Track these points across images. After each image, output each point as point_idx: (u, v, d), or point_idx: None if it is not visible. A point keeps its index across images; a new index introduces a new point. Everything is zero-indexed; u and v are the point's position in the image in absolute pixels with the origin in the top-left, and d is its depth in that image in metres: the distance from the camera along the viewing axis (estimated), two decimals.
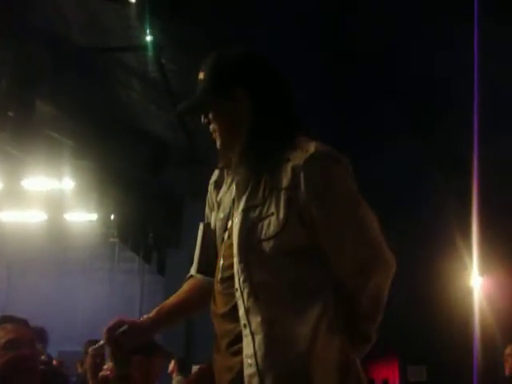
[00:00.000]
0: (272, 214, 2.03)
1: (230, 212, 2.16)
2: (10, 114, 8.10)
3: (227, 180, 2.22)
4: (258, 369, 1.98)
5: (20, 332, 2.54)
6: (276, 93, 2.16)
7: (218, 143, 2.16)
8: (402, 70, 6.31)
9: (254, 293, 2.02)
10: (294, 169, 2.02)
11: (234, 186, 2.15)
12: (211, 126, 2.16)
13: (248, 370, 2.00)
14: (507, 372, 6.16)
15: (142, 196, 10.87)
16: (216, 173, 2.29)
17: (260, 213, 2.04)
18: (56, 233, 12.22)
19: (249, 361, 2.00)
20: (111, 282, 14.16)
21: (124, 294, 13.90)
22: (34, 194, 10.73)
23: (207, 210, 2.34)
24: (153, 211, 11.51)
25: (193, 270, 2.30)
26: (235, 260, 2.06)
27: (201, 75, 2.16)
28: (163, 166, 9.98)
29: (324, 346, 1.98)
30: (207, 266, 2.24)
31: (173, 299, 2.29)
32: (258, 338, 1.99)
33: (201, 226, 2.30)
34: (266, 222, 2.03)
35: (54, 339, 7.43)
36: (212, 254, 2.24)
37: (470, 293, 7.10)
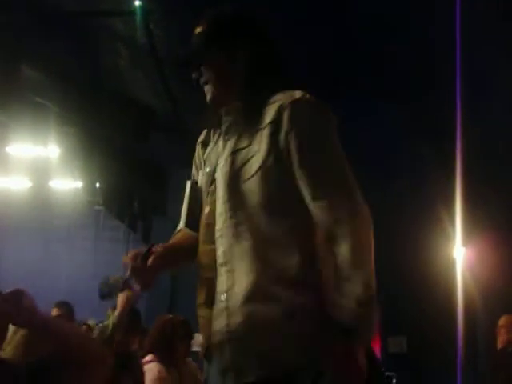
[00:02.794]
0: (256, 152, 2.05)
1: (215, 166, 2.16)
2: None
3: (214, 138, 2.24)
4: (227, 304, 1.98)
5: None
6: (269, 49, 2.21)
7: (209, 96, 2.19)
8: (389, 38, 6.32)
9: (238, 231, 2.02)
10: (278, 107, 2.05)
11: (220, 142, 2.18)
12: (202, 79, 2.18)
13: (218, 305, 2.00)
14: (499, 344, 6.12)
15: (128, 163, 10.83)
16: (203, 133, 2.31)
17: (246, 154, 2.07)
18: (41, 200, 12.15)
19: (221, 297, 2.00)
20: (96, 251, 14.11)
21: (109, 262, 13.79)
22: (18, 161, 10.64)
23: (194, 169, 2.36)
24: (138, 179, 11.48)
25: (181, 224, 2.31)
26: (219, 202, 2.08)
27: (198, 29, 2.21)
28: (149, 133, 9.95)
29: (302, 290, 1.96)
30: (194, 222, 2.25)
31: (169, 244, 2.28)
32: (234, 274, 2.00)
33: (188, 184, 2.33)
34: (250, 162, 2.05)
35: (38, 306, 7.44)
36: (198, 211, 2.24)
37: (452, 263, 7.15)
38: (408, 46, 6.33)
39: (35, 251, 14.02)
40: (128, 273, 2.12)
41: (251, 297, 1.97)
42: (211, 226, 2.11)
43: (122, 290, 3.22)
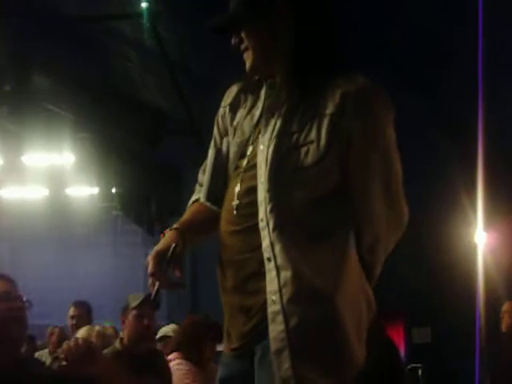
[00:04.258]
0: (312, 141, 1.89)
1: (249, 138, 2.01)
2: (7, 88, 8.07)
3: (246, 104, 2.05)
4: (282, 306, 1.86)
5: (8, 286, 2.59)
6: (321, 17, 2.01)
7: (248, 64, 1.99)
8: (405, 26, 6.27)
9: (281, 225, 1.88)
10: (343, 95, 1.88)
11: (256, 111, 2.01)
12: (242, 46, 1.99)
13: (272, 307, 1.87)
14: (504, 328, 6.21)
15: (143, 167, 10.86)
16: (231, 95, 2.10)
17: (297, 140, 1.90)
18: (58, 208, 12.21)
19: (273, 297, 1.87)
20: (115, 256, 14.16)
21: (128, 267, 13.91)
22: (34, 170, 10.70)
23: (216, 133, 2.15)
24: (154, 182, 11.50)
25: (202, 197, 2.13)
26: (262, 188, 1.91)
27: None
28: (162, 137, 9.95)
29: (350, 286, 1.90)
30: (216, 194, 2.09)
31: (187, 219, 2.11)
32: (285, 273, 1.87)
33: (211, 151, 2.14)
34: (303, 150, 1.89)
35: (60, 315, 7.46)
36: (221, 182, 2.08)
37: (474, 249, 7.10)
38: (424, 33, 6.27)
39: (55, 259, 14.09)
40: (154, 292, 1.94)
41: (303, 300, 1.87)
42: (243, 206, 1.96)
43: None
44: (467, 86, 5.81)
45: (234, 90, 2.11)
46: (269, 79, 2.01)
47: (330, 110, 1.88)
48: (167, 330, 5.29)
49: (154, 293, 1.94)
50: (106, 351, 3.83)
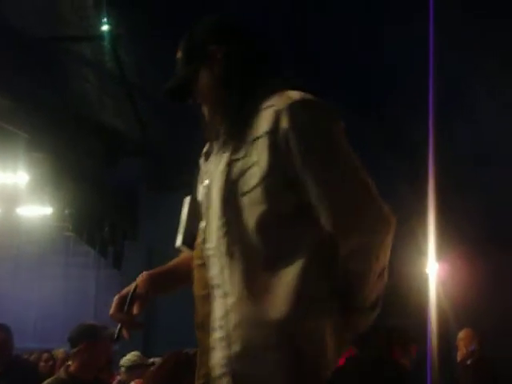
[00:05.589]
0: (254, 163, 1.87)
1: (213, 176, 2.00)
2: None
3: (215, 150, 2.05)
4: (227, 333, 1.83)
5: None
6: (253, 49, 2.05)
7: (204, 110, 2.06)
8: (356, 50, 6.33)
9: (231, 252, 1.87)
10: (275, 113, 1.86)
11: (218, 155, 2.01)
12: (198, 100, 2.06)
13: (217, 334, 1.85)
14: (459, 358, 6.32)
15: (97, 189, 10.78)
16: (207, 144, 2.13)
17: (243, 165, 1.89)
18: (10, 227, 12.04)
19: (219, 324, 1.85)
20: (66, 277, 13.99)
21: (79, 288, 13.77)
22: None
23: (195, 183, 2.17)
24: (108, 204, 11.42)
25: (178, 242, 2.17)
26: (214, 217, 1.92)
27: (178, 54, 2.10)
28: (118, 158, 9.92)
29: (302, 316, 1.82)
30: (192, 239, 2.10)
31: (165, 267, 2.17)
32: (232, 300, 1.85)
33: (186, 199, 2.19)
34: (248, 174, 1.88)
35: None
36: (197, 227, 2.08)
37: (425, 279, 7.20)
38: (373, 54, 6.32)
39: (5, 279, 13.84)
40: (117, 329, 2.03)
41: (248, 325, 1.83)
42: (206, 242, 1.96)
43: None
44: (419, 111, 5.86)
45: (209, 138, 2.13)
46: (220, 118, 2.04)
47: (265, 129, 1.86)
48: (134, 358, 5.25)
49: (116, 331, 2.03)
50: (47, 381, 3.73)
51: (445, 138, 5.96)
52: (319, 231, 1.87)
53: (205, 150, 2.13)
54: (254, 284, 1.84)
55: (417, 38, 4.86)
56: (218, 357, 1.84)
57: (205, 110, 2.07)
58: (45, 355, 7.70)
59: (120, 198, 11.46)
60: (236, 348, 1.82)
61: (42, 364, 7.46)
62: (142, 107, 8.85)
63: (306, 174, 1.84)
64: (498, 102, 6.38)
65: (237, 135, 1.93)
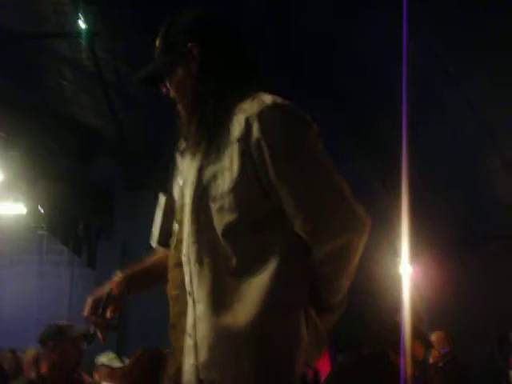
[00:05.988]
0: (226, 169, 1.87)
1: (186, 178, 2.00)
2: None
3: (189, 149, 2.03)
4: (195, 341, 1.84)
5: None
6: (231, 48, 2.03)
7: (179, 108, 2.05)
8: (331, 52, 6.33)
9: (200, 259, 1.86)
10: (247, 118, 1.85)
11: (191, 155, 2.00)
12: (171, 95, 2.05)
13: (188, 341, 1.86)
14: (431, 359, 6.39)
15: (72, 187, 10.70)
16: (183, 141, 2.10)
17: (215, 170, 1.88)
18: None
19: (189, 332, 1.86)
20: (40, 276, 13.87)
21: (53, 287, 13.63)
22: None
23: (171, 180, 2.17)
24: (83, 202, 11.34)
25: (153, 242, 2.15)
26: (186, 223, 1.91)
27: (157, 42, 2.08)
28: (93, 156, 9.86)
29: (272, 321, 1.82)
30: (166, 238, 2.09)
31: (140, 266, 2.17)
32: (200, 308, 1.84)
33: (161, 197, 2.16)
34: (219, 180, 1.87)
35: None
36: (171, 225, 2.08)
37: (399, 281, 7.24)
38: (348, 55, 6.33)
39: None
40: (91, 332, 2.04)
41: (215, 335, 1.83)
42: (178, 242, 1.97)
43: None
44: (392, 109, 5.85)
45: (184, 134, 2.11)
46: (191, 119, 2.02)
47: (237, 135, 1.85)
48: (104, 359, 5.24)
49: (91, 334, 2.05)
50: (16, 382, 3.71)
51: (418, 136, 5.99)
52: (291, 236, 1.87)
53: (180, 146, 2.11)
54: (223, 292, 1.84)
55: (388, 35, 4.87)
56: (187, 364, 1.86)
57: (179, 106, 2.05)
58: (9, 354, 7.55)
59: (95, 196, 11.40)
60: (202, 357, 1.82)
61: (6, 363, 7.33)
62: (119, 105, 8.81)
63: (279, 181, 1.84)
64: (470, 99, 6.41)
65: (209, 138, 1.92)
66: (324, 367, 10.09)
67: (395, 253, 6.95)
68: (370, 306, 7.84)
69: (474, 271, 7.95)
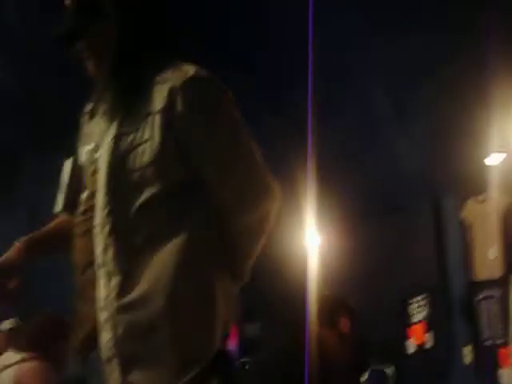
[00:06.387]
0: (146, 140, 1.84)
1: (99, 146, 1.96)
2: None
3: (100, 112, 2.01)
4: (111, 314, 1.83)
5: None
6: (153, 14, 1.99)
7: (90, 70, 2.00)
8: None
9: (115, 230, 1.85)
10: (170, 90, 1.84)
11: (103, 120, 1.97)
12: (83, 55, 2.01)
13: (102, 315, 1.85)
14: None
15: None
16: (90, 103, 2.08)
17: (133, 140, 1.86)
18: None
19: (102, 304, 1.85)
20: None
21: None
22: None
23: (78, 145, 2.13)
24: None
25: (58, 207, 2.14)
26: (100, 193, 1.88)
27: (67, 0, 2.01)
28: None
29: (186, 293, 1.84)
30: (72, 204, 2.06)
31: (43, 230, 2.14)
32: (115, 280, 1.83)
33: (67, 163, 2.13)
34: (139, 150, 1.85)
35: None
36: (77, 191, 2.05)
37: (306, 252, 7.35)
38: (257, 18, 6.27)
39: None
40: None
41: (130, 307, 1.83)
42: (86, 211, 1.95)
43: None
44: (303, 82, 5.80)
45: (94, 97, 2.08)
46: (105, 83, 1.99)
47: (160, 106, 1.84)
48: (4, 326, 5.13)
49: None
50: None
51: (329, 109, 6.03)
52: (208, 208, 1.89)
53: (88, 108, 2.08)
54: (138, 264, 1.83)
55: None
56: (105, 339, 1.84)
57: (91, 67, 2.00)
58: None
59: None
60: (120, 330, 1.82)
61: None
62: (25, 63, 8.52)
63: (199, 154, 1.86)
64: (380, 65, 6.45)
65: (126, 106, 1.89)
66: (231, 334, 10.22)
67: (303, 224, 7.04)
68: (276, 278, 7.94)
69: (378, 242, 8.16)
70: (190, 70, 1.87)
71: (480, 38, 5.48)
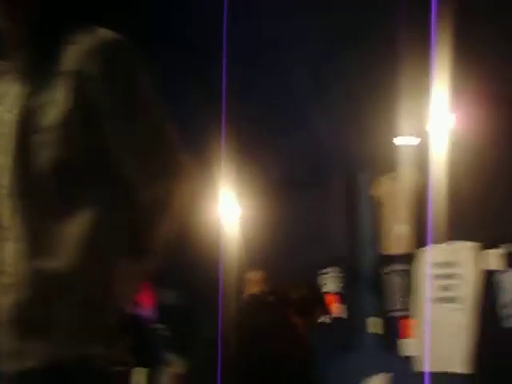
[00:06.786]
0: (52, 101, 1.78)
1: (10, 104, 1.88)
2: None
3: (12, 72, 1.92)
4: (14, 279, 1.81)
5: None
6: None
7: (2, 24, 1.90)
8: None
9: (21, 193, 1.80)
10: (83, 51, 1.79)
11: (14, 80, 1.89)
12: None
13: (4, 278, 1.82)
14: (246, 297, 6.69)
15: None
16: (1, 61, 1.97)
17: (43, 101, 1.80)
18: None
19: (6, 268, 1.82)
20: None
21: None
22: None
23: None
24: None
25: None
26: (7, 153, 1.82)
27: None
28: None
29: (90, 260, 1.81)
30: None
31: None
32: (20, 245, 1.81)
33: None
34: (44, 111, 1.78)
35: None
36: None
37: (219, 219, 7.40)
38: None
39: None
40: None
41: (34, 274, 1.79)
42: None
43: None
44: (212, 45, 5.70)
45: (3, 56, 1.99)
46: (17, 42, 1.91)
47: (70, 67, 1.78)
48: None
49: None
50: None
51: (245, 79, 6.03)
52: (114, 179, 1.85)
53: None
54: (46, 232, 1.80)
55: None
56: (5, 302, 1.82)
57: (2, 24, 1.91)
58: None
59: None
60: (22, 294, 1.79)
61: None
62: None
63: (108, 121, 1.81)
64: (300, 39, 6.47)
65: (38, 66, 1.84)
66: (147, 302, 10.24)
67: (217, 194, 7.10)
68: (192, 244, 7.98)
69: (295, 215, 8.31)
70: (103, 32, 1.81)
71: (395, 18, 5.58)
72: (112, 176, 1.85)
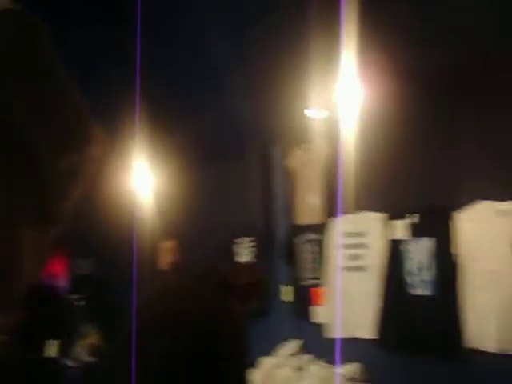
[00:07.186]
0: None
1: None
2: None
3: None
4: None
5: None
6: None
7: None
8: None
9: None
10: None
11: None
12: None
13: None
14: (161, 267, 6.77)
15: None
16: None
17: None
18: None
19: None
20: None
21: None
22: None
23: None
24: None
25: None
26: None
27: None
28: None
29: None
30: None
31: None
32: None
33: None
34: None
35: None
36: None
37: (133, 189, 7.41)
38: None
39: None
40: None
41: None
42: None
43: None
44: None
45: None
46: None
47: None
48: None
49: None
50: None
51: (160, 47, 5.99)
52: (19, 146, 1.78)
53: None
54: None
55: None
56: None
57: None
58: None
59: None
60: None
61: None
62: None
63: (18, 91, 1.75)
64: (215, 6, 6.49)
65: None
66: (61, 272, 10.22)
67: (130, 167, 7.11)
68: (107, 215, 7.97)
69: (211, 185, 8.39)
70: (3, 3, 1.75)
71: None
72: (16, 143, 1.79)
